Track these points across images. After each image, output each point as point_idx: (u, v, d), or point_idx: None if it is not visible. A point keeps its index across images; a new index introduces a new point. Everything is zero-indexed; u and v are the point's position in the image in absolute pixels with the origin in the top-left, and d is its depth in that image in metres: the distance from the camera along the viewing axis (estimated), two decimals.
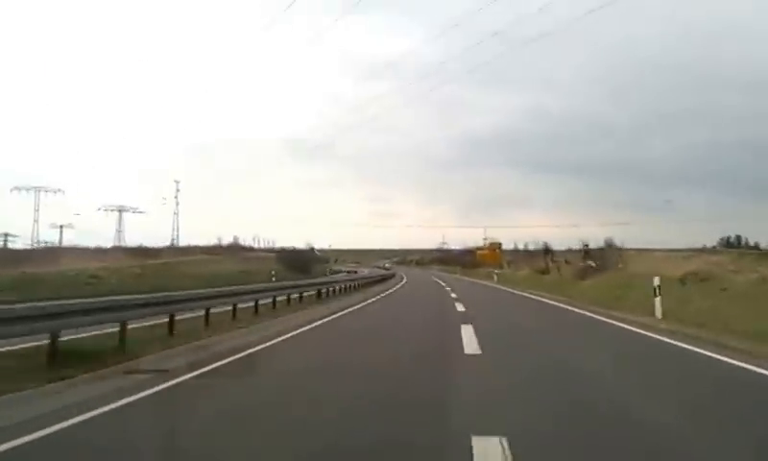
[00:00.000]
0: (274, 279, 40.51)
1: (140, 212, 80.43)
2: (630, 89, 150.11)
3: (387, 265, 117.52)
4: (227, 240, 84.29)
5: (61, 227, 72.07)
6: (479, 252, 73.48)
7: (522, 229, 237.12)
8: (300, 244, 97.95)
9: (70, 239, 72.90)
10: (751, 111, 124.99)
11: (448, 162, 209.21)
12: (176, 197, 76.38)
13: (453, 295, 27.23)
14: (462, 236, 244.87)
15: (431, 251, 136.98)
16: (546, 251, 61.01)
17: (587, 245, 38.90)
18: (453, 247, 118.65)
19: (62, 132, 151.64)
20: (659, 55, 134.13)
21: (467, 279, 59.60)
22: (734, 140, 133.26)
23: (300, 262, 73.52)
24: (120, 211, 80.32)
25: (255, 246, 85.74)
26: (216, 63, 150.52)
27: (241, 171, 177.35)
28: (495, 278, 48.17)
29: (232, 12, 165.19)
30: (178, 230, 77.92)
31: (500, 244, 70.49)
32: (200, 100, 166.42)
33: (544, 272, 43.51)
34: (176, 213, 77.05)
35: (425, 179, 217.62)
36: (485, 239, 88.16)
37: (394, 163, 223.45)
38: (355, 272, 67.72)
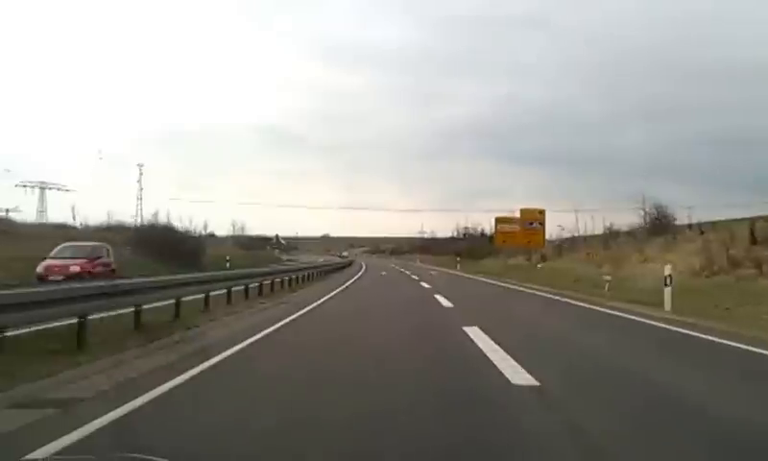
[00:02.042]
0: None
1: (67, 190, 69.37)
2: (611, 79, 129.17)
3: (345, 254, 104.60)
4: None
5: (8, 210, 57.67)
6: (501, 228, 43.70)
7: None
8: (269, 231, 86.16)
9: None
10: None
11: (425, 151, 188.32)
12: (139, 181, 73.22)
13: None
14: (439, 225, 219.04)
15: (409, 239, 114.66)
16: (611, 233, 31.87)
17: None
18: (432, 236, 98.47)
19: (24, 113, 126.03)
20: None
21: (532, 291, 28.12)
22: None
23: (181, 249, 35.44)
24: (41, 188, 68.97)
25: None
26: (187, 51, 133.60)
27: (212, 158, 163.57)
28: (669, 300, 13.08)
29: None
30: (141, 214, 68.59)
31: (543, 212, 41.07)
32: (170, 86, 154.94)
33: None
34: (139, 198, 72.89)
35: (401, 168, 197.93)
36: (466, 227, 60.36)
37: (368, 152, 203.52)
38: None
